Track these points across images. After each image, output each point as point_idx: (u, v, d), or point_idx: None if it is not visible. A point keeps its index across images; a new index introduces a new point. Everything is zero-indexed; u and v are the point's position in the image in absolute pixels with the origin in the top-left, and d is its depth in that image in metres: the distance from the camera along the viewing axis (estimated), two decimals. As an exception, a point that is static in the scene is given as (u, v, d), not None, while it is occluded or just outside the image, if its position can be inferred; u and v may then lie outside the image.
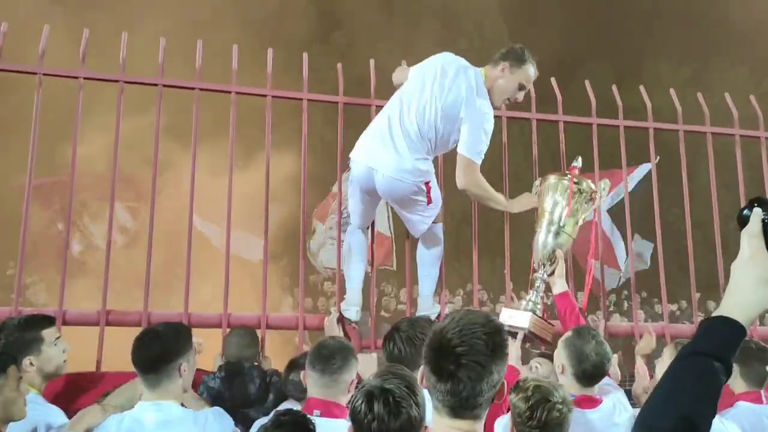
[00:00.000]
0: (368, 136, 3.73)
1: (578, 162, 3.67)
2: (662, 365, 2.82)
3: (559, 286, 3.47)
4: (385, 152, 3.59)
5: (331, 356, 2.49)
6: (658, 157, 4.68)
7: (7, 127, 11.18)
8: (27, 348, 2.70)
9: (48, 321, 2.86)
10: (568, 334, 2.88)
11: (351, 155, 3.78)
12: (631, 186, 5.68)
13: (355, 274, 4.01)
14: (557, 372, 2.83)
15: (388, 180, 3.60)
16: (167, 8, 14.23)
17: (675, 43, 20.30)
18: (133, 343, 2.50)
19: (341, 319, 3.87)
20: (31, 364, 2.70)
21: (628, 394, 3.32)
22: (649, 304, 12.80)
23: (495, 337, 1.60)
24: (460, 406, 1.57)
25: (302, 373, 2.62)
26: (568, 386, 2.69)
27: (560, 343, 2.85)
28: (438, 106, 3.58)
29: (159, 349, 2.44)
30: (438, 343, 1.60)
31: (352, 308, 3.96)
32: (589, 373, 2.72)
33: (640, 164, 6.96)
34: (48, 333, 2.79)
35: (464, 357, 1.55)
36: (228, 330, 3.67)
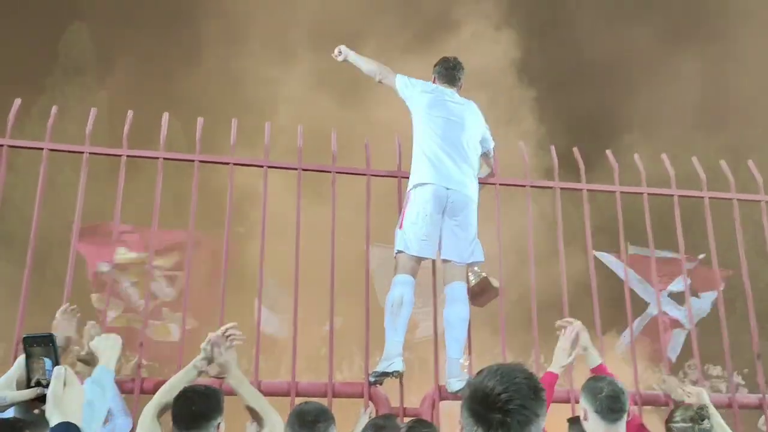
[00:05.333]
0: None
1: None
2: None
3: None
4: None
5: (315, 421, 2.58)
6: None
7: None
8: None
9: None
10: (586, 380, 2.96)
11: None
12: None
13: (401, 327, 3.97)
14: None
15: None
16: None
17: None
18: (174, 401, 2.63)
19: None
20: None
21: None
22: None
23: (534, 381, 1.60)
24: None
25: None
26: (595, 431, 2.73)
27: (580, 391, 2.91)
28: None
29: (203, 406, 2.55)
30: (482, 394, 1.58)
31: (397, 359, 3.89)
32: (606, 405, 2.75)
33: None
34: None
35: (511, 402, 1.53)
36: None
